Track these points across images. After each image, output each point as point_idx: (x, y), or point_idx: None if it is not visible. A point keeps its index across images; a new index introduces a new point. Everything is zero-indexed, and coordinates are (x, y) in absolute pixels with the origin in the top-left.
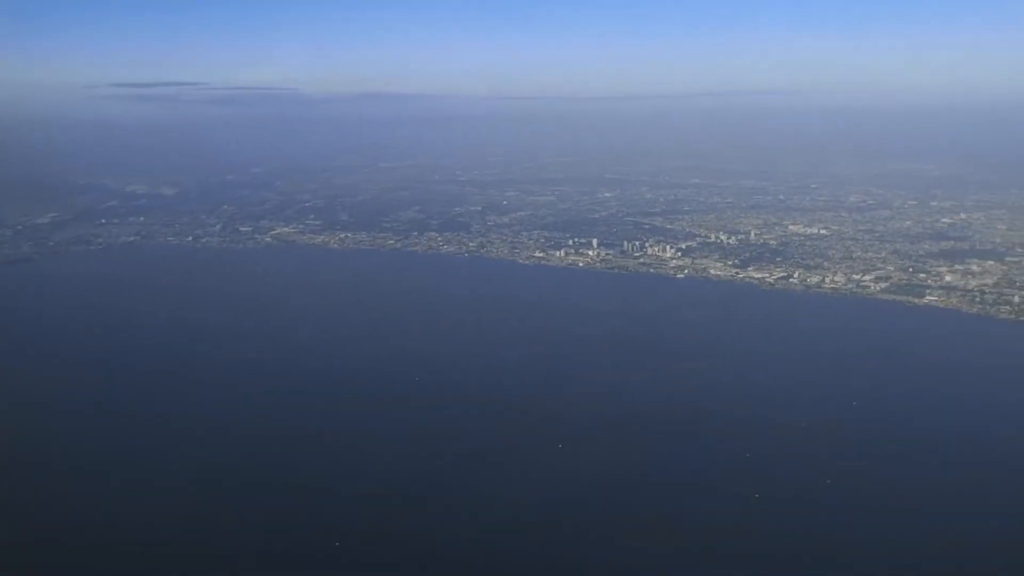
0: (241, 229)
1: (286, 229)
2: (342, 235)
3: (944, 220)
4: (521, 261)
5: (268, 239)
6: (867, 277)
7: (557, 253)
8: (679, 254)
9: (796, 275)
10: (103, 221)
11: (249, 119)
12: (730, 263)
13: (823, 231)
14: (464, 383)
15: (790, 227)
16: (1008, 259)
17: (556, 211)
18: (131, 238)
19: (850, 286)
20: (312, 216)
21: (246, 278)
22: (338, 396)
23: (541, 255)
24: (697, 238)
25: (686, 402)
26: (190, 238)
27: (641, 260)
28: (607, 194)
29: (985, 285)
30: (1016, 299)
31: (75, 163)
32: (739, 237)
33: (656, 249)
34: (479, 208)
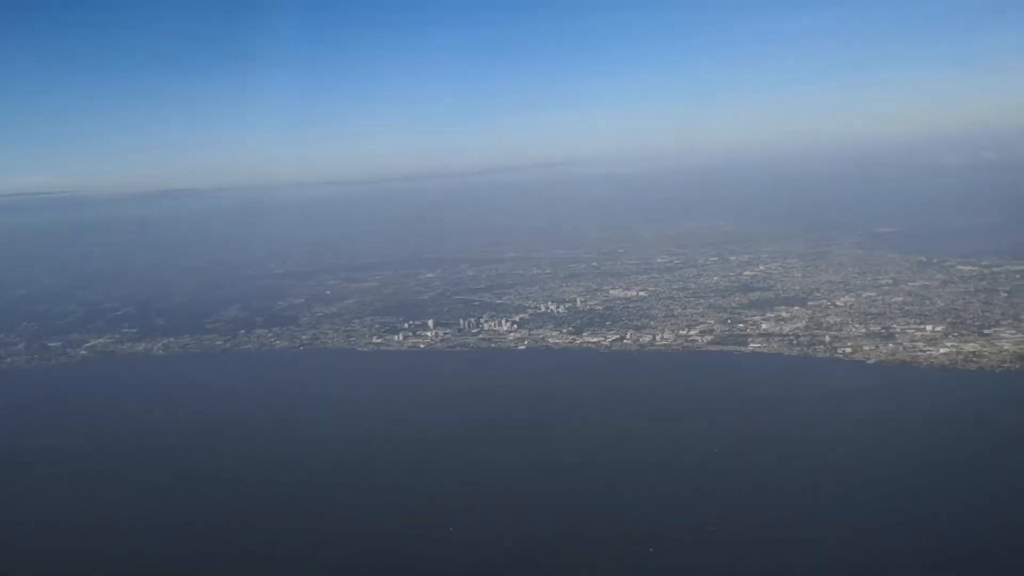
0: (50, 345)
1: (101, 340)
2: (164, 341)
3: (747, 273)
4: (360, 349)
5: (83, 352)
6: (692, 332)
7: (396, 337)
8: (515, 327)
9: (628, 336)
10: None
11: (27, 228)
12: (565, 331)
13: (642, 293)
14: (355, 482)
15: (611, 292)
16: (810, 303)
17: (383, 295)
18: None
19: (680, 341)
20: (126, 324)
21: (75, 396)
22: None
23: (379, 341)
24: (528, 310)
25: (569, 468)
26: None
27: (480, 336)
28: (430, 275)
29: (798, 328)
30: (827, 338)
31: None
32: (566, 305)
33: (492, 324)
34: (303, 300)
